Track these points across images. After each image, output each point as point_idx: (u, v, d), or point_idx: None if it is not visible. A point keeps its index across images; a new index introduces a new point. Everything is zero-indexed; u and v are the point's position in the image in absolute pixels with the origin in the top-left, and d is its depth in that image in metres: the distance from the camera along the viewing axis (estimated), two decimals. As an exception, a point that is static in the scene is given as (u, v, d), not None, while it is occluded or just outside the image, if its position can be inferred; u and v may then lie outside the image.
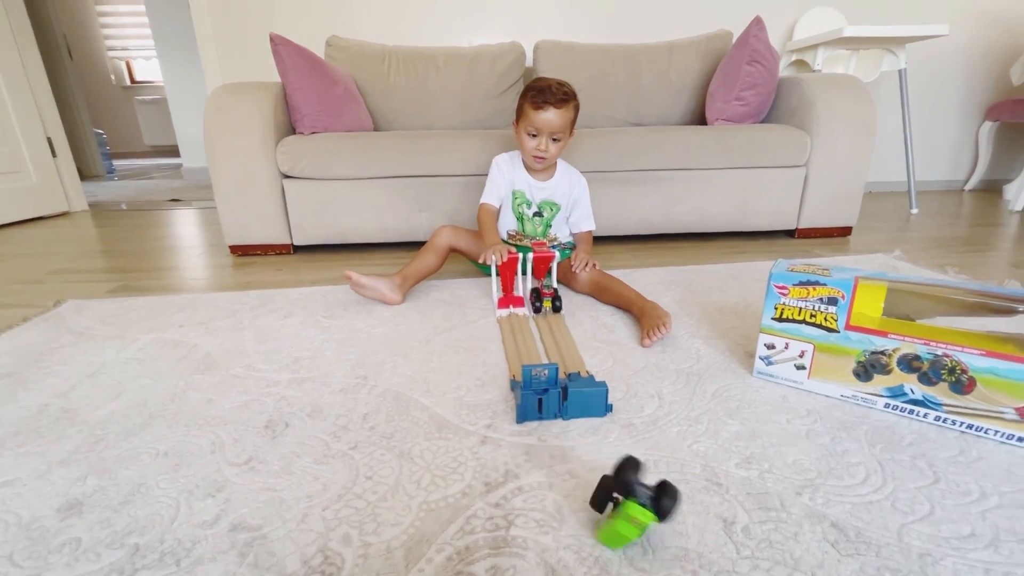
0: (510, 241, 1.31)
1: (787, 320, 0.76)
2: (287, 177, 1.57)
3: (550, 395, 0.69)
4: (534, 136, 1.17)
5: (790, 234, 1.81)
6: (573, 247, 1.34)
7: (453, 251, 1.26)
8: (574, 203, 1.30)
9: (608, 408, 0.71)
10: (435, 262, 1.23)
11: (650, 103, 2.01)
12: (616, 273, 1.22)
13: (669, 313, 0.97)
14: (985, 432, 0.65)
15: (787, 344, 0.77)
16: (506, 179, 1.27)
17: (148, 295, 1.27)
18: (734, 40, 1.86)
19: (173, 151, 4.51)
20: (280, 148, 1.53)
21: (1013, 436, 0.63)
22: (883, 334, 0.69)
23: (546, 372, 0.70)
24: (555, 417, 0.70)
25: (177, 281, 1.42)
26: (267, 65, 1.83)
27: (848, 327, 0.71)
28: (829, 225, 1.76)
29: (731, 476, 0.59)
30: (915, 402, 0.69)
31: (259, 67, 2.22)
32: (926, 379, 0.67)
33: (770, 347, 0.79)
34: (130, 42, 5.79)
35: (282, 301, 1.19)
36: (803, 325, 0.74)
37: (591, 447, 0.65)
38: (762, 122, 1.79)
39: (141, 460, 0.63)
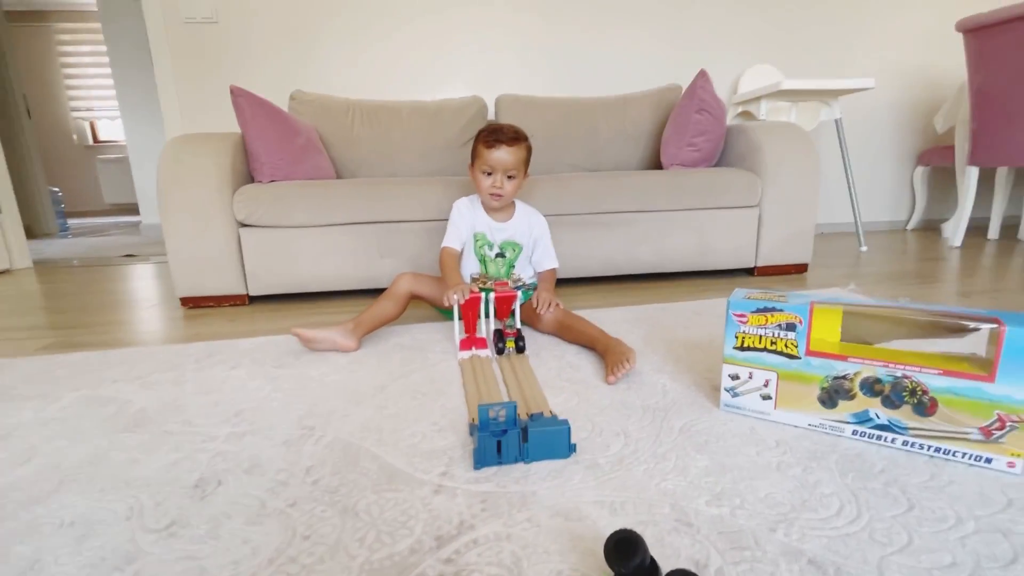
0: (474, 284, 1.29)
1: (749, 348, 0.75)
2: (244, 226, 1.53)
3: (509, 436, 0.65)
4: (489, 175, 1.18)
5: (749, 272, 1.86)
6: (535, 287, 1.32)
7: (415, 298, 1.23)
8: (535, 242, 1.29)
9: (572, 448, 0.67)
10: (393, 310, 1.19)
11: (608, 151, 2.09)
12: (582, 313, 1.20)
13: (633, 349, 0.95)
14: (953, 455, 0.63)
15: (751, 374, 0.75)
16: (467, 222, 1.27)
17: (84, 351, 1.18)
18: (683, 92, 1.97)
19: (133, 209, 4.41)
20: (237, 196, 1.50)
21: (980, 457, 0.62)
22: (843, 358, 0.68)
23: (504, 412, 0.66)
24: (516, 460, 0.66)
25: (120, 336, 1.33)
26: (230, 120, 1.83)
27: (808, 353, 0.70)
28: (786, 262, 1.82)
29: (701, 515, 0.55)
30: (882, 427, 0.67)
31: (222, 122, 2.22)
32: (889, 402, 0.66)
33: (735, 377, 0.77)
34: (95, 102, 5.78)
35: (230, 352, 1.12)
36: (764, 353, 0.73)
37: (553, 491, 0.60)
38: (714, 167, 1.87)
39: (41, 532, 0.55)
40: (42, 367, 1.06)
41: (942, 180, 2.96)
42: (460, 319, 1.10)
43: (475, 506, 0.57)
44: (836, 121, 2.30)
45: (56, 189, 4.28)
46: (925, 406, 0.64)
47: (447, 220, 1.29)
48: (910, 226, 3.00)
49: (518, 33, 2.46)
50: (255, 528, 0.55)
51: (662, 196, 1.68)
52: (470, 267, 1.31)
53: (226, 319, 1.45)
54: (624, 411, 0.80)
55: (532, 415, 0.74)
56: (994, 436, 0.61)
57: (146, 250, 2.92)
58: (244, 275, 1.56)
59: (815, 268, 1.92)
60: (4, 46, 3.53)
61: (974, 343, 0.65)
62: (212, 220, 1.49)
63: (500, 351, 1.04)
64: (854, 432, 0.69)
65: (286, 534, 0.54)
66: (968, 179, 2.25)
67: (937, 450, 0.64)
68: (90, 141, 5.88)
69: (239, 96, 1.55)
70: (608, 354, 0.96)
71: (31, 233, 3.72)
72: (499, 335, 1.05)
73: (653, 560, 0.44)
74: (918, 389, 0.64)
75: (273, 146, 1.60)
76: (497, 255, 1.28)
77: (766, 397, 0.75)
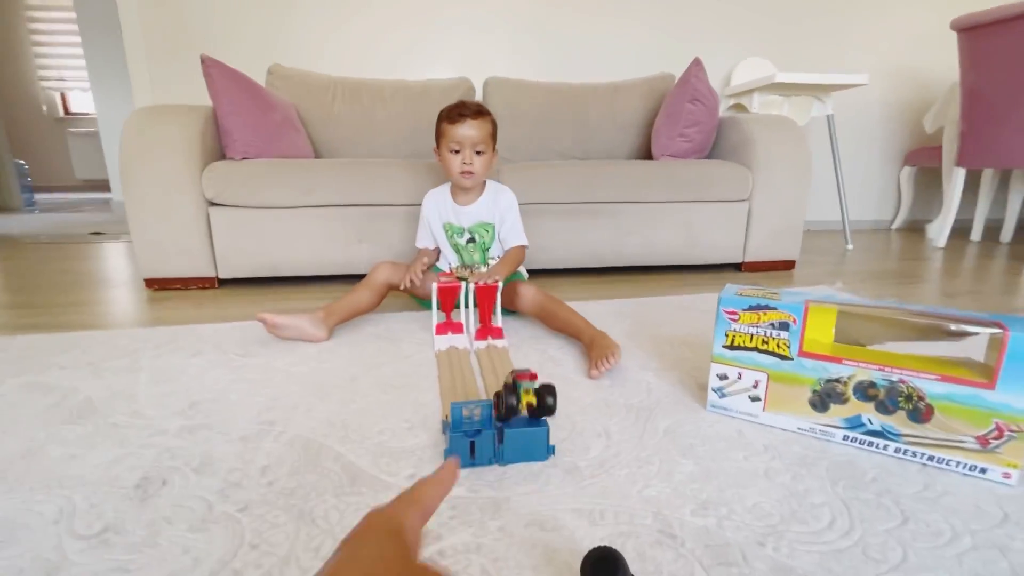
0: (458, 275, 1.24)
1: (739, 348, 0.71)
2: (213, 204, 1.45)
3: (483, 437, 0.60)
4: (457, 152, 1.13)
5: (737, 267, 1.83)
6: (516, 273, 1.27)
7: (393, 289, 1.18)
8: (501, 218, 1.23)
9: (550, 450, 0.63)
10: (370, 299, 1.14)
11: (597, 139, 2.04)
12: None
13: (618, 344, 0.91)
14: (947, 464, 0.61)
15: (740, 374, 0.72)
16: (436, 214, 1.24)
17: (33, 333, 1.10)
18: (676, 82, 1.92)
19: (105, 185, 4.23)
20: (206, 173, 1.42)
21: (976, 467, 0.59)
22: (837, 360, 0.65)
23: (479, 410, 0.61)
24: (490, 462, 0.61)
25: (77, 318, 1.25)
26: (202, 92, 1.73)
27: (801, 353, 0.67)
28: (773, 259, 1.79)
29: (686, 525, 0.51)
30: (874, 433, 0.64)
31: (193, 94, 2.11)
32: (883, 408, 0.63)
33: (723, 377, 0.73)
34: (66, 72, 5.53)
35: (192, 338, 1.06)
36: (755, 353, 0.70)
37: (528, 497, 0.56)
38: (705, 158, 1.84)
39: (-45, 538, 0.49)
40: (-15, 350, 0.98)
41: (928, 181, 2.97)
42: (439, 308, 1.05)
43: (443, 513, 0.53)
44: (828, 117, 2.28)
45: (22, 162, 4.09)
46: (920, 412, 0.61)
47: (427, 206, 1.24)
48: (895, 225, 3.01)
49: (509, 14, 2.38)
50: (198, 535, 0.50)
51: (651, 187, 1.64)
52: (449, 260, 1.27)
53: (192, 303, 1.38)
54: (607, 410, 0.76)
55: (509, 413, 0.69)
56: (991, 446, 0.58)
57: (115, 228, 2.80)
58: (213, 257, 1.48)
59: (802, 265, 1.90)
60: (-35, 7, 3.33)
61: (968, 347, 0.62)
62: (179, 197, 1.41)
63: (510, 413, 0.62)
64: (845, 437, 0.66)
65: (233, 542, 0.49)
66: (955, 180, 2.25)
67: (930, 458, 0.61)
68: (60, 113, 5.63)
69: (210, 66, 1.46)
70: (592, 347, 0.91)
71: (-6, 207, 3.55)
72: (513, 389, 0.63)
73: None
74: (914, 395, 0.61)
75: (246, 121, 1.51)
76: (468, 240, 1.23)
77: (755, 399, 0.71)
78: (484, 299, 1.04)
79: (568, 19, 2.43)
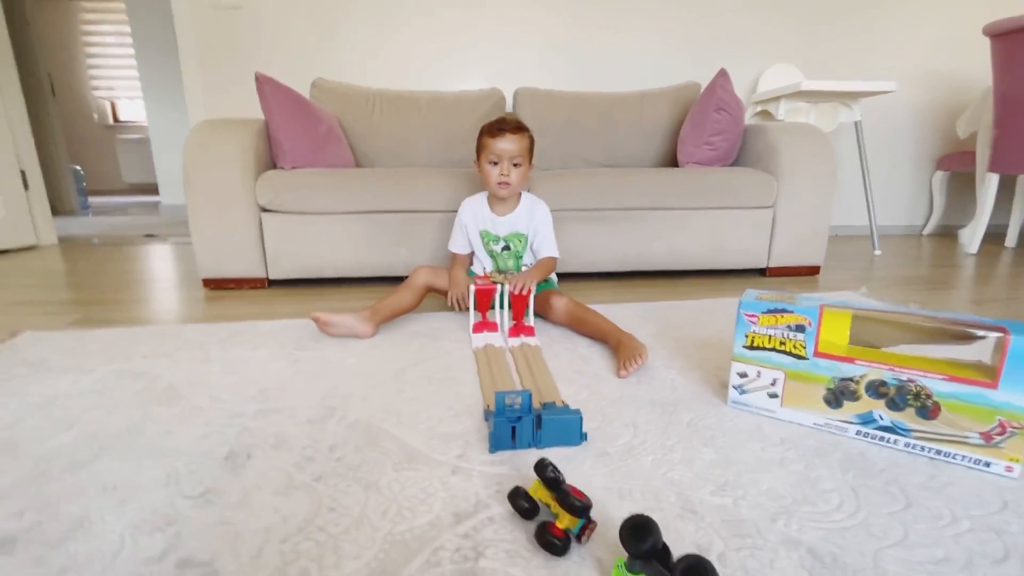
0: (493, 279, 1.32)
1: (758, 348, 0.77)
2: (265, 211, 1.57)
3: (524, 423, 0.68)
4: (495, 164, 1.21)
5: (761, 272, 1.86)
6: (548, 280, 1.35)
7: (431, 291, 1.27)
8: (535, 231, 1.31)
9: (583, 437, 0.70)
10: (411, 300, 1.23)
11: (624, 147, 2.10)
12: (594, 307, 1.23)
13: (645, 345, 0.97)
14: (953, 457, 0.65)
15: (759, 372, 0.77)
16: (473, 221, 1.32)
17: (112, 327, 1.22)
18: (701, 91, 1.97)
19: (152, 189, 4.49)
20: (260, 181, 1.54)
21: (980, 461, 0.64)
22: (850, 360, 0.70)
23: (519, 399, 0.69)
24: (529, 446, 0.69)
25: (144, 314, 1.38)
26: (251, 105, 1.86)
27: (816, 354, 0.72)
28: (798, 264, 1.82)
29: (706, 504, 0.58)
30: (885, 428, 0.69)
31: (243, 106, 2.25)
32: (893, 405, 0.68)
33: (743, 375, 0.79)
34: (116, 82, 5.86)
35: (253, 333, 1.16)
36: (773, 353, 0.75)
37: (565, 476, 0.63)
38: (731, 166, 1.88)
39: (86, 494, 0.59)
40: (74, 341, 1.10)
41: (961, 186, 2.92)
42: (476, 308, 1.14)
43: (491, 487, 0.61)
44: (856, 123, 2.28)
45: (78, 167, 4.36)
46: (928, 409, 0.66)
47: (461, 213, 1.33)
48: (927, 231, 2.97)
49: (538, 30, 2.46)
50: (284, 499, 0.59)
51: (677, 194, 1.69)
52: (484, 264, 1.35)
53: (247, 301, 1.50)
54: (634, 404, 0.82)
55: (544, 404, 0.77)
56: (994, 441, 0.63)
57: (165, 231, 2.98)
58: (265, 259, 1.60)
59: (827, 271, 1.92)
60: (30, 23, 3.58)
61: (980, 351, 0.67)
62: (235, 204, 1.53)
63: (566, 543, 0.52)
64: (857, 432, 0.71)
65: (313, 505, 0.57)
66: (988, 186, 2.23)
67: (938, 452, 0.66)
68: (110, 120, 5.96)
69: (264, 83, 1.58)
70: (620, 349, 0.98)
71: (54, 210, 3.79)
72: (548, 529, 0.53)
73: (665, 545, 0.47)
74: (922, 393, 0.66)
75: (296, 134, 1.63)
76: (503, 248, 1.31)
77: (773, 395, 0.77)
78: (518, 302, 1.13)
79: (594, 32, 2.50)
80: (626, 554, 0.46)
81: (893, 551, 0.51)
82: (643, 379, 0.92)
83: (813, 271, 1.85)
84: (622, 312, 1.31)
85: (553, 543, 0.49)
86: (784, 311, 0.74)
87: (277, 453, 0.68)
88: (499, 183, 1.22)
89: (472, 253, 1.37)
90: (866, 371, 0.69)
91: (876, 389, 0.69)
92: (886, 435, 0.69)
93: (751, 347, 0.77)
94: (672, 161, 2.06)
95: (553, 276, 1.38)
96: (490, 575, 0.47)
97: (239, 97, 2.30)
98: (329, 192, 1.56)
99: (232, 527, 0.54)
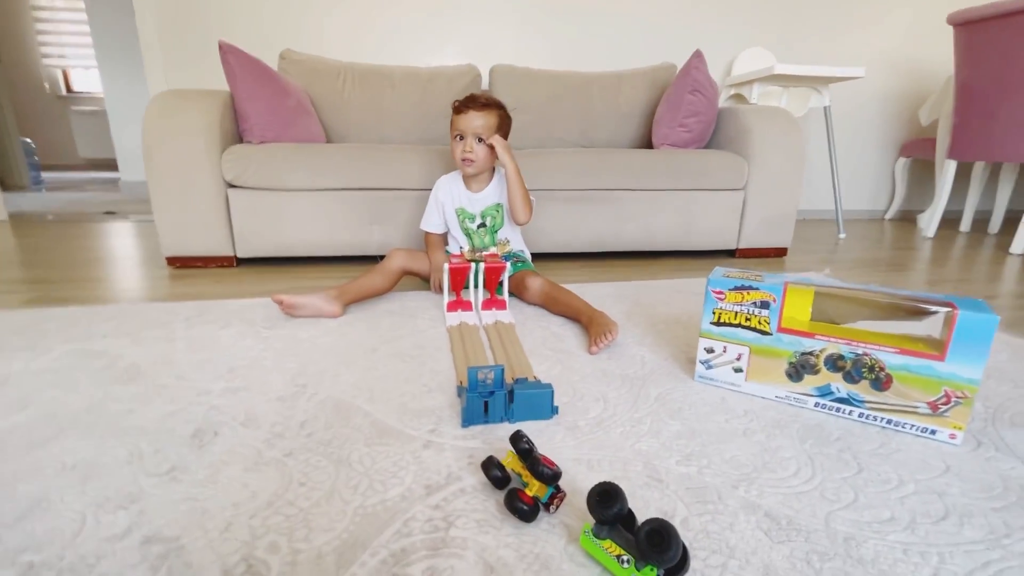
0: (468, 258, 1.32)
1: (724, 324, 0.79)
2: (232, 187, 1.52)
3: (496, 397, 0.68)
4: (461, 139, 1.20)
5: (731, 253, 1.91)
6: (524, 261, 1.35)
7: (408, 274, 1.27)
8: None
9: (554, 410, 0.71)
10: (383, 283, 1.22)
11: (601, 128, 2.09)
12: (568, 287, 1.23)
13: (616, 322, 0.99)
14: (903, 427, 0.69)
15: (725, 348, 0.80)
16: (449, 199, 1.31)
17: (70, 306, 1.18)
18: (677, 72, 1.97)
19: (110, 164, 4.27)
20: (226, 156, 1.48)
21: (927, 429, 0.68)
22: (811, 335, 0.73)
23: (492, 374, 0.69)
24: (501, 420, 0.70)
25: (104, 293, 1.33)
26: (216, 76, 1.78)
27: (780, 329, 0.75)
28: (766, 245, 1.87)
29: (671, 472, 0.60)
30: (841, 400, 0.72)
31: (207, 78, 2.16)
32: (849, 377, 0.71)
33: (709, 351, 0.81)
34: (68, 50, 5.52)
35: (220, 312, 1.13)
36: (739, 328, 0.78)
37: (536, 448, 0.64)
38: (704, 148, 1.90)
39: (44, 474, 0.57)
40: (30, 320, 1.06)
41: (922, 172, 3.03)
42: (450, 288, 1.13)
43: (462, 459, 0.61)
44: (825, 108, 2.33)
45: (28, 140, 4.12)
46: (881, 381, 0.69)
47: (436, 192, 1.31)
48: (888, 215, 3.08)
49: (515, 3, 2.41)
50: (253, 475, 0.58)
51: (652, 175, 1.71)
52: (460, 242, 1.34)
53: (213, 280, 1.45)
54: (604, 379, 0.84)
55: (517, 379, 0.77)
56: (940, 410, 0.66)
57: (126, 208, 2.86)
58: (232, 237, 1.55)
59: (794, 252, 1.98)
60: (-30, -16, 3.33)
61: (931, 326, 0.70)
62: (200, 179, 1.47)
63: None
64: (816, 404, 0.74)
65: (283, 480, 0.57)
66: (946, 172, 2.32)
67: (889, 422, 0.70)
68: (63, 91, 5.63)
69: (228, 52, 1.52)
70: (591, 326, 0.99)
71: (3, 185, 3.60)
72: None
73: (631, 510, 0.49)
74: (876, 366, 0.69)
75: (263, 106, 1.57)
76: (479, 225, 1.30)
77: (738, 370, 0.79)
78: (492, 278, 1.13)
79: (573, 9, 2.46)
80: (593, 520, 0.47)
81: (844, 512, 0.53)
82: (614, 355, 0.94)
83: (781, 252, 1.90)
84: (596, 291, 1.33)
85: (522, 508, 0.50)
86: (750, 288, 0.76)
87: (246, 430, 0.67)
88: (462, 159, 1.21)
89: (447, 233, 1.36)
90: (825, 345, 0.72)
91: (834, 363, 0.72)
92: (842, 406, 0.73)
93: (718, 323, 0.79)
94: (647, 142, 2.07)
95: (528, 256, 1.39)
96: (461, 543, 0.48)
97: (203, 68, 2.20)
98: (299, 168, 1.52)
99: (199, 503, 0.53)
